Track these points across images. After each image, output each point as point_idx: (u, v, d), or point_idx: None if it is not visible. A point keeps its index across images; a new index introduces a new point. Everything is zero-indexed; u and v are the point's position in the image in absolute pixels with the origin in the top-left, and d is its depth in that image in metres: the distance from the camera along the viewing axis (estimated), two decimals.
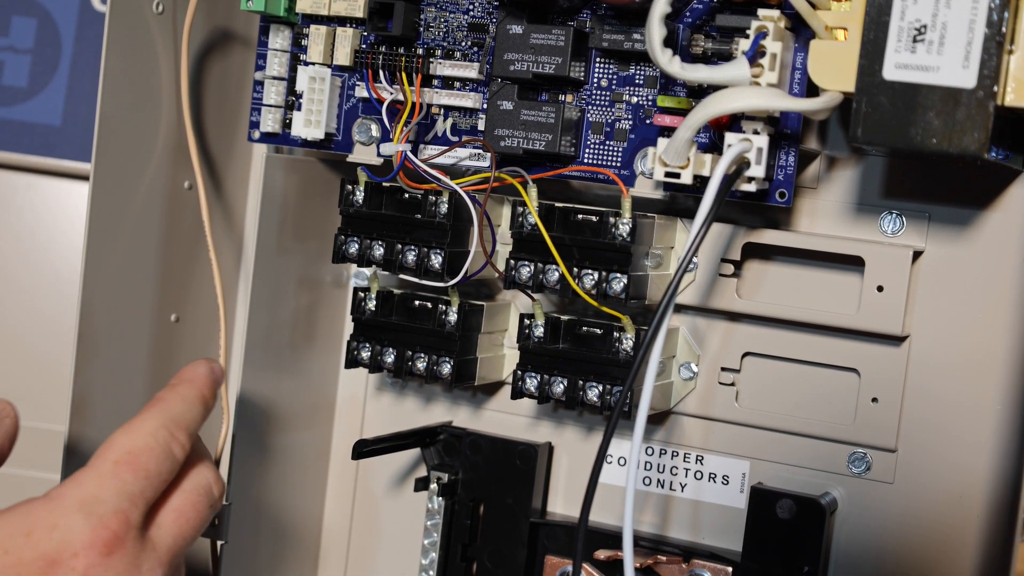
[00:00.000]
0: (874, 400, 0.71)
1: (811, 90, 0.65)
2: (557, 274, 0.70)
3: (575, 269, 0.69)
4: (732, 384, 0.74)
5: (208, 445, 0.78)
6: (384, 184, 0.74)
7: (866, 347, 0.71)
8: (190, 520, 0.61)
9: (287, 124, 0.77)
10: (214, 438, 0.78)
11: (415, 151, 0.74)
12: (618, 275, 0.69)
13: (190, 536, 0.61)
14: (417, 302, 0.75)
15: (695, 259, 0.72)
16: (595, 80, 0.71)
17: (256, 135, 0.77)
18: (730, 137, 0.65)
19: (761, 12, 0.64)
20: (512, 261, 0.71)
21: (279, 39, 0.76)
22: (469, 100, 0.73)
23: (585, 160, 0.71)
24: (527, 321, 0.73)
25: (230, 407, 0.77)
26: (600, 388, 0.71)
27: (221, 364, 0.65)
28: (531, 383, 0.72)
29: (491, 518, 0.77)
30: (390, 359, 0.75)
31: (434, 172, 0.72)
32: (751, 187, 0.65)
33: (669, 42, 0.64)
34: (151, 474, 0.59)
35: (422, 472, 0.79)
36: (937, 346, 0.70)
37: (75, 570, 0.55)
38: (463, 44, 0.73)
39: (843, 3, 0.62)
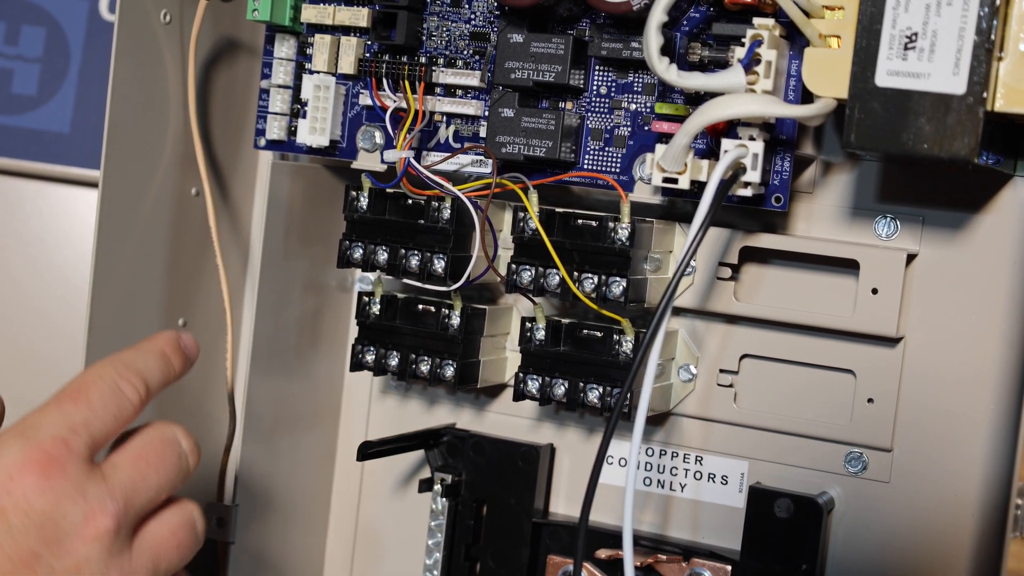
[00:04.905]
0: (870, 401, 0.72)
1: (806, 97, 0.66)
2: (558, 278, 0.71)
3: (575, 273, 0.70)
4: (730, 385, 0.75)
5: (215, 448, 0.80)
6: (388, 190, 0.74)
7: (861, 348, 0.72)
8: (150, 463, 0.58)
9: (292, 131, 0.77)
10: (221, 441, 0.79)
11: (418, 158, 0.74)
12: (617, 279, 0.69)
13: (153, 481, 0.58)
14: (420, 306, 0.76)
15: (693, 263, 0.73)
16: (594, 87, 0.72)
17: (262, 142, 0.78)
18: (726, 143, 0.65)
19: (756, 21, 0.65)
20: (513, 265, 0.72)
21: (284, 48, 0.77)
22: (471, 107, 0.74)
23: (585, 166, 0.72)
24: (528, 324, 0.73)
25: (237, 410, 0.78)
26: (600, 390, 0.71)
27: (194, 338, 0.63)
28: (533, 385, 0.73)
29: (494, 518, 0.78)
30: (394, 362, 0.76)
31: (437, 178, 0.72)
32: (747, 192, 0.66)
33: (666, 50, 0.65)
34: (95, 406, 0.57)
35: (426, 473, 0.80)
36: (931, 347, 0.71)
37: (11, 493, 0.54)
38: (465, 53, 0.74)
39: (836, 12, 0.63)
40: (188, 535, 0.59)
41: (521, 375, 0.73)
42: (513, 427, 0.80)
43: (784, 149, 0.68)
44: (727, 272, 0.73)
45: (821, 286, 0.73)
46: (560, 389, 0.72)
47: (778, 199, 0.68)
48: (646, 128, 0.71)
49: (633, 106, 0.71)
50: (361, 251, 0.75)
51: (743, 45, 0.64)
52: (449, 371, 0.75)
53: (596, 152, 0.72)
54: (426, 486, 0.79)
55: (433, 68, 0.74)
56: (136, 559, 0.57)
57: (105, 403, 0.57)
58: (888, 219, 0.71)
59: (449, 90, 0.74)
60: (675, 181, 0.66)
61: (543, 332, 0.73)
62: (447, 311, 0.75)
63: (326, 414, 0.84)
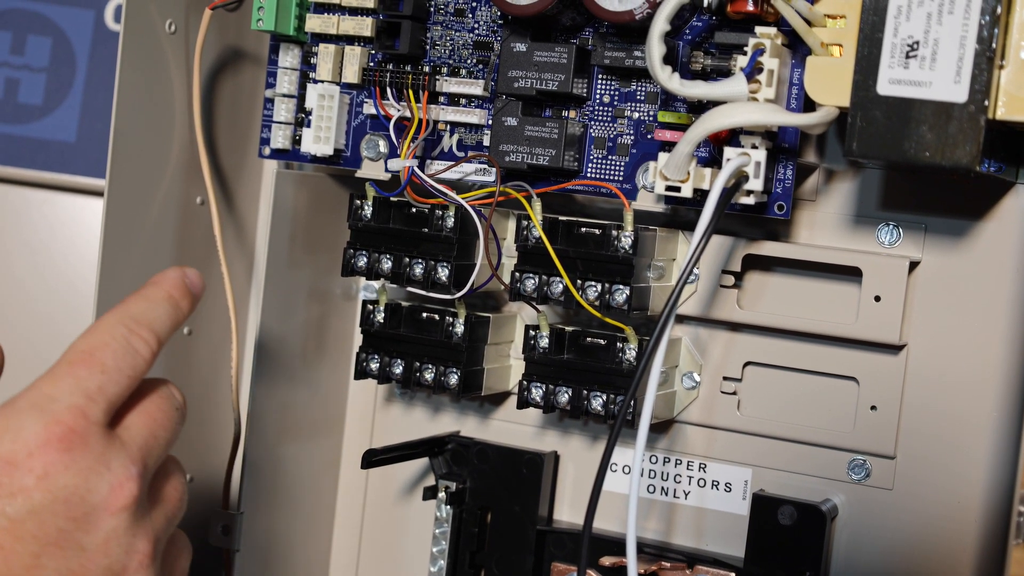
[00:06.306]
0: (873, 408, 0.72)
1: (808, 105, 0.66)
2: (561, 286, 0.71)
3: (579, 281, 0.70)
4: (734, 393, 0.75)
5: (220, 456, 0.80)
6: (392, 199, 0.75)
7: (864, 356, 0.72)
8: (158, 420, 0.57)
9: (297, 140, 0.78)
10: (226, 449, 0.79)
11: (422, 166, 0.75)
12: (621, 287, 0.70)
13: (163, 438, 0.57)
14: (425, 314, 0.76)
15: (696, 271, 0.73)
16: (597, 96, 0.72)
17: (267, 151, 0.79)
18: (729, 151, 0.66)
19: (758, 29, 0.65)
20: (517, 273, 0.72)
21: (289, 57, 0.78)
22: (474, 116, 0.74)
23: (588, 174, 0.72)
24: (532, 332, 0.74)
25: (242, 418, 0.78)
26: (604, 397, 0.72)
27: (198, 272, 0.60)
28: (537, 393, 0.73)
29: (498, 526, 0.78)
30: (398, 370, 0.76)
31: (441, 187, 0.73)
32: (750, 200, 0.66)
33: (669, 59, 0.65)
34: (109, 368, 0.54)
35: (431, 481, 0.80)
36: (934, 354, 0.71)
37: (33, 470, 0.51)
38: (468, 62, 0.75)
39: (838, 20, 0.63)
40: (184, 491, 0.59)
41: (525, 383, 0.73)
42: (517, 435, 0.80)
43: (786, 157, 0.68)
44: (730, 280, 0.73)
45: (824, 294, 0.73)
46: (564, 397, 0.72)
47: (781, 207, 0.68)
48: (649, 136, 0.71)
49: (636, 114, 0.71)
50: (365, 259, 0.75)
51: (745, 54, 0.65)
52: (453, 379, 0.75)
53: (599, 160, 0.72)
54: (430, 494, 0.79)
55: (437, 77, 0.74)
56: (155, 518, 0.56)
57: (119, 364, 0.55)
58: (891, 227, 0.72)
59: (453, 99, 0.75)
60: (678, 189, 0.67)
61: (547, 340, 0.73)
62: (451, 319, 0.75)
63: (330, 422, 0.84)
